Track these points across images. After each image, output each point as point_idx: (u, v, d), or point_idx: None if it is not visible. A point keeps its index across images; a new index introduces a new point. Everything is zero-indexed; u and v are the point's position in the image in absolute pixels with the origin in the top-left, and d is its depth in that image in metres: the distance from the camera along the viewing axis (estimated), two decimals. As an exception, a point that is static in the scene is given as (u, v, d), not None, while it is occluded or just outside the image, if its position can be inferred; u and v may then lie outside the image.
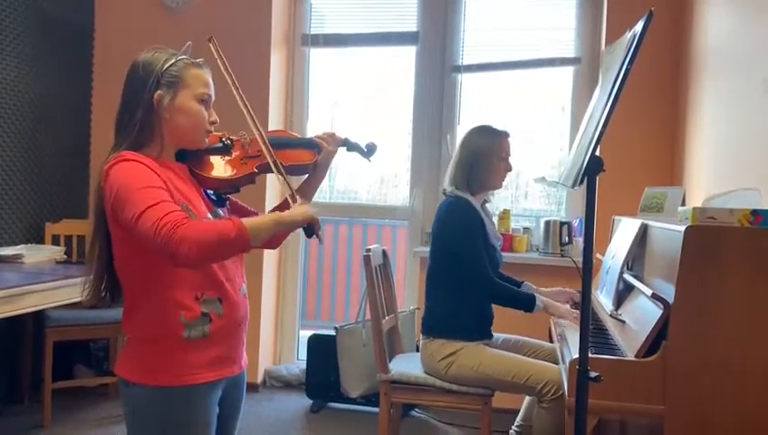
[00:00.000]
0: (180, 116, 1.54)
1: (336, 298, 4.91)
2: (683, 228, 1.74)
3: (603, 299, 2.43)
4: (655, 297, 1.85)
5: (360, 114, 4.22)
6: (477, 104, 3.98)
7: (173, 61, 1.54)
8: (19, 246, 3.46)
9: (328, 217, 4.51)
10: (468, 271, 2.58)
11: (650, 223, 2.27)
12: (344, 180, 4.42)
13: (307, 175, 1.80)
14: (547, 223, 3.65)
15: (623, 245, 2.40)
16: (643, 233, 2.31)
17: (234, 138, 1.69)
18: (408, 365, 2.73)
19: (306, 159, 1.73)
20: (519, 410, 2.86)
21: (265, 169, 1.65)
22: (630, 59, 1.43)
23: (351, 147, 1.83)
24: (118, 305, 1.58)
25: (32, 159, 3.70)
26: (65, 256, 3.62)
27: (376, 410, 2.83)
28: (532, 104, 3.93)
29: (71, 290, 3.00)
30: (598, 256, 2.71)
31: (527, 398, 2.82)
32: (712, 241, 1.72)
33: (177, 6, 3.90)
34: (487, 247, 2.62)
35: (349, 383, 2.94)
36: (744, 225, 1.75)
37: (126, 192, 1.40)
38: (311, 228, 1.55)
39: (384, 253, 2.98)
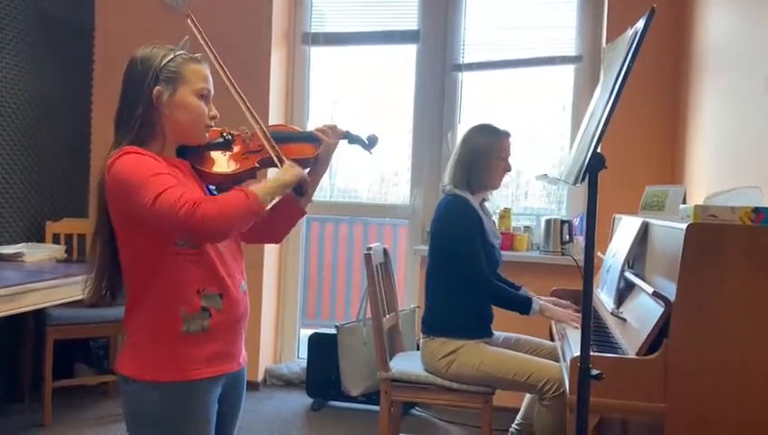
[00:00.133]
0: (180, 111, 1.54)
1: (336, 297, 4.90)
2: (684, 226, 1.74)
3: (604, 297, 2.43)
4: (656, 295, 1.84)
5: (360, 113, 4.22)
6: (478, 103, 3.97)
7: (171, 56, 1.54)
8: (20, 245, 3.46)
9: (328, 215, 4.52)
10: (466, 271, 2.58)
11: (651, 221, 2.27)
12: (345, 179, 4.42)
13: (309, 169, 1.80)
14: (548, 221, 3.65)
15: (624, 243, 2.40)
16: (644, 231, 2.31)
17: (234, 133, 1.69)
18: (408, 364, 2.73)
19: (308, 152, 1.72)
20: (519, 409, 2.86)
21: (267, 163, 1.65)
22: (632, 56, 1.43)
23: (353, 139, 1.82)
24: (118, 304, 1.59)
25: (32, 157, 3.70)
26: (66, 255, 3.62)
27: (376, 408, 2.83)
28: (532, 103, 3.93)
29: (71, 289, 3.00)
30: (599, 254, 2.71)
31: (527, 396, 2.82)
32: (713, 239, 1.72)
33: (177, 5, 3.90)
34: (486, 246, 2.62)
35: (349, 382, 2.93)
36: (745, 223, 1.75)
37: (136, 180, 1.40)
38: (300, 187, 1.61)
39: (385, 251, 2.98)
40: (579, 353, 1.52)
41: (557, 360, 2.47)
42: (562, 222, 3.61)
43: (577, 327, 2.43)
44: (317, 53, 4.20)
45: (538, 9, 3.91)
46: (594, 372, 1.49)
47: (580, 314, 2.35)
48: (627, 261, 2.31)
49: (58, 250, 3.59)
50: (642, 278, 2.15)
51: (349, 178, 4.42)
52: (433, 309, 2.69)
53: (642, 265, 2.30)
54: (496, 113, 3.86)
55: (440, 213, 2.68)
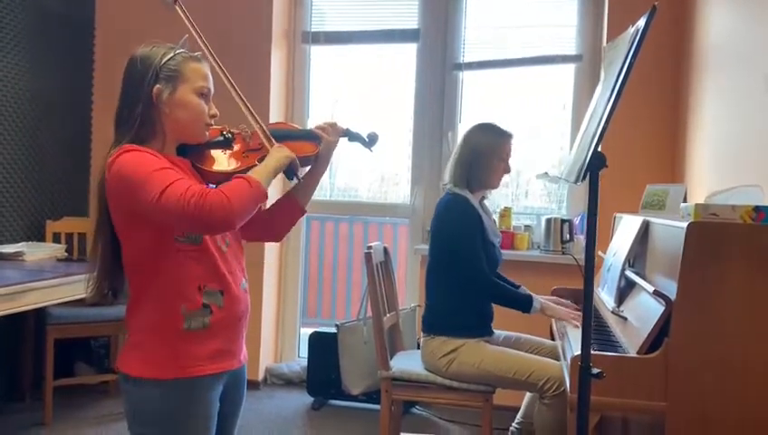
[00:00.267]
0: (180, 110, 1.54)
1: (337, 296, 4.90)
2: (685, 225, 1.74)
3: (605, 296, 2.43)
4: (657, 294, 1.84)
5: (360, 112, 4.22)
6: (478, 102, 3.97)
7: (171, 55, 1.54)
8: (20, 244, 3.46)
9: (329, 214, 4.52)
10: (466, 269, 2.58)
11: (652, 220, 2.27)
12: (345, 178, 4.42)
13: (309, 167, 1.79)
14: (548, 220, 3.65)
15: (625, 242, 2.40)
16: (645, 230, 2.31)
17: (235, 131, 1.68)
18: (409, 362, 2.73)
19: (308, 150, 1.72)
20: (520, 408, 2.86)
21: None
22: (633, 54, 1.43)
23: (353, 137, 1.82)
24: (119, 303, 1.59)
25: (32, 156, 3.70)
26: (66, 254, 3.62)
27: (377, 407, 2.83)
28: (533, 102, 3.93)
29: (72, 287, 3.00)
30: (599, 253, 2.71)
31: (528, 395, 2.82)
32: (714, 237, 1.72)
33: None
34: (486, 244, 2.62)
35: (350, 381, 2.93)
36: (746, 221, 1.75)
37: (140, 177, 1.40)
38: (291, 170, 1.60)
39: (385, 250, 2.98)
40: (579, 352, 1.52)
41: (557, 359, 2.47)
42: (563, 221, 3.61)
43: (577, 326, 2.43)
44: (317, 52, 4.20)
45: (538, 8, 3.91)
46: (595, 370, 1.49)
47: (580, 313, 2.35)
48: (627, 260, 2.31)
49: (58, 249, 3.59)
50: (643, 277, 2.15)
51: (349, 177, 4.42)
52: (433, 308, 2.69)
53: (643, 264, 2.30)
54: (497, 112, 3.86)
55: (440, 212, 2.68)
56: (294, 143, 1.69)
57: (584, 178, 1.46)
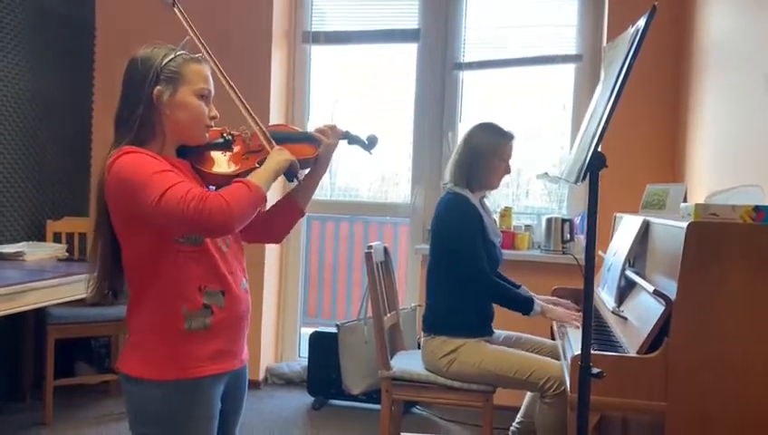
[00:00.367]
0: (180, 111, 1.54)
1: (337, 295, 4.90)
2: (685, 225, 1.74)
3: (605, 296, 2.43)
4: (657, 294, 1.85)
5: (361, 112, 4.22)
6: (479, 102, 3.97)
7: (172, 56, 1.54)
8: (20, 244, 3.46)
9: (329, 214, 4.52)
10: (467, 268, 2.58)
11: (652, 220, 2.27)
12: (345, 178, 4.42)
13: (309, 169, 1.80)
14: (549, 220, 3.65)
15: (625, 242, 2.40)
16: (645, 230, 2.31)
17: (235, 133, 1.69)
18: (409, 362, 2.73)
19: (308, 152, 1.72)
20: (520, 408, 2.86)
21: None
22: (633, 54, 1.43)
23: (352, 139, 1.82)
24: (119, 303, 1.59)
25: (33, 156, 3.70)
26: (67, 254, 3.62)
27: (377, 407, 2.83)
28: (533, 102, 3.93)
29: (72, 287, 3.00)
30: (599, 253, 2.71)
31: (528, 395, 2.82)
32: (714, 237, 1.72)
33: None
34: (486, 244, 2.62)
35: (350, 380, 2.93)
36: (746, 221, 1.75)
37: (140, 179, 1.40)
38: (291, 173, 1.61)
39: (386, 250, 2.98)
40: (580, 352, 1.52)
41: (558, 358, 2.47)
42: (563, 221, 3.61)
43: (578, 327, 2.43)
44: (317, 52, 4.20)
45: (538, 8, 3.91)
46: (595, 370, 1.49)
47: (580, 314, 2.35)
48: (627, 260, 2.31)
49: (59, 249, 3.59)
50: (643, 277, 2.15)
51: (349, 176, 4.42)
52: (434, 307, 2.69)
53: (643, 264, 2.30)
54: (497, 112, 3.86)
55: (440, 211, 2.68)
56: (294, 146, 1.69)
57: (584, 178, 1.46)
